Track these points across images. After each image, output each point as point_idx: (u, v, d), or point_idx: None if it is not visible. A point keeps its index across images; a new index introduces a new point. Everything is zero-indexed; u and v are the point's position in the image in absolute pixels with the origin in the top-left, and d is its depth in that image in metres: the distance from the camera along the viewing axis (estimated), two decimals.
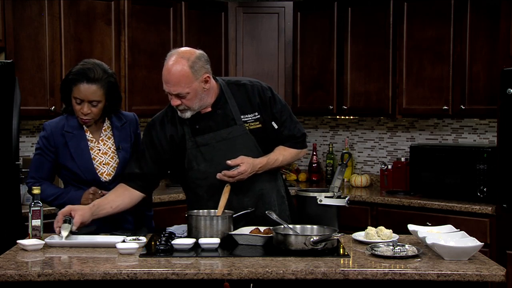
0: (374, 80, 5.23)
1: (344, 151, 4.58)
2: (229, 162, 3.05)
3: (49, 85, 4.62)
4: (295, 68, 5.64)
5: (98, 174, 3.24)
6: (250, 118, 3.17)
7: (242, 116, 3.16)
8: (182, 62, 2.97)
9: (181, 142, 3.16)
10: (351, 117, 5.69)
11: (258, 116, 3.19)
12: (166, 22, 5.22)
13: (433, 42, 4.91)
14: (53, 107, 4.61)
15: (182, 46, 5.24)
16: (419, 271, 2.51)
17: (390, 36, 5.12)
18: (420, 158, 4.87)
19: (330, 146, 5.83)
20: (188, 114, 3.08)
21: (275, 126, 3.21)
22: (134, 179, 3.17)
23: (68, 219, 2.94)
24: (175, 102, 3.03)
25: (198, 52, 3.05)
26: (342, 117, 5.71)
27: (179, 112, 3.10)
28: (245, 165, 3.06)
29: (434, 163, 4.78)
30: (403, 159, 5.37)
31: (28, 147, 4.93)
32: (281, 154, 3.23)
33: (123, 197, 3.15)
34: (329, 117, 5.82)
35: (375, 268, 2.54)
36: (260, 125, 3.19)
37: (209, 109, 3.14)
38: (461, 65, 4.77)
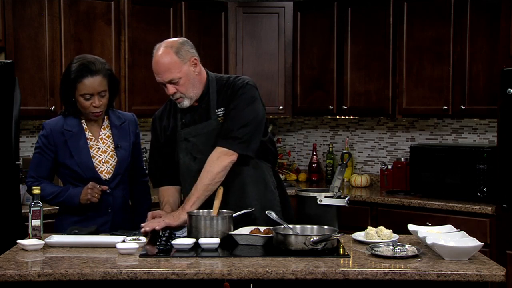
0: (374, 80, 5.23)
1: (344, 151, 4.58)
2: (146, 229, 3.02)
3: (49, 85, 4.62)
4: (295, 68, 5.64)
5: (98, 172, 3.25)
6: (220, 112, 3.18)
7: (217, 110, 3.18)
8: (167, 51, 3.09)
9: (172, 135, 3.26)
10: (351, 117, 5.69)
11: (224, 112, 3.17)
12: (166, 22, 5.23)
13: (433, 42, 4.91)
14: (53, 107, 4.61)
15: None
16: (419, 271, 2.51)
17: (390, 36, 5.12)
18: (420, 158, 4.87)
19: (330, 146, 5.83)
20: (186, 103, 3.15)
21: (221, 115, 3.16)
22: (158, 178, 3.33)
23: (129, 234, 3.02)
24: (170, 90, 3.10)
25: (181, 39, 3.18)
26: (342, 117, 5.71)
27: (178, 104, 3.17)
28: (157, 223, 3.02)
29: (434, 163, 4.78)
30: (403, 159, 5.38)
31: (28, 147, 4.93)
32: (196, 187, 3.06)
33: (171, 194, 3.30)
34: (329, 117, 5.82)
35: (375, 268, 2.54)
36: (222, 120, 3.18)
37: (196, 103, 3.20)
38: (461, 65, 4.77)
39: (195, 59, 3.13)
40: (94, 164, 3.25)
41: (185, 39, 3.20)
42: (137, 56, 5.06)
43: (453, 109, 4.84)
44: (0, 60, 4.11)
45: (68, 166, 3.24)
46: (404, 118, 5.33)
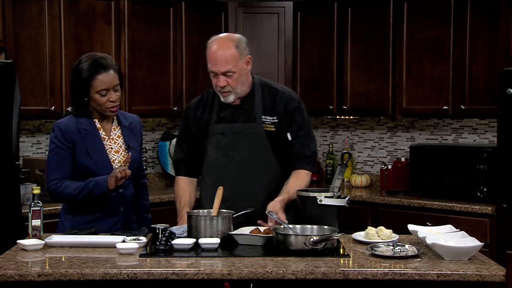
0: (374, 80, 5.23)
1: (344, 151, 4.59)
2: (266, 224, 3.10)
3: (49, 85, 4.62)
4: (295, 68, 5.64)
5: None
6: (268, 120, 3.27)
7: (262, 116, 3.26)
8: (228, 43, 3.16)
9: (204, 127, 3.31)
10: (351, 117, 5.69)
11: (276, 120, 3.27)
12: (166, 22, 5.23)
13: (433, 42, 4.91)
14: (53, 107, 4.61)
15: (182, 46, 5.29)
16: (419, 271, 2.51)
17: (390, 36, 5.12)
18: (420, 158, 4.87)
19: (330, 146, 5.83)
20: (231, 98, 3.21)
21: (289, 137, 3.28)
22: (178, 165, 3.43)
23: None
24: (222, 82, 3.15)
25: (239, 35, 3.26)
26: (342, 117, 5.71)
27: (222, 98, 3.22)
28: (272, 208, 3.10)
29: (434, 163, 4.78)
30: (403, 159, 5.38)
31: (28, 147, 4.93)
32: (297, 186, 3.25)
33: (185, 191, 3.38)
34: (329, 117, 5.82)
35: (375, 268, 2.54)
36: (274, 129, 3.27)
37: (238, 102, 3.26)
38: (461, 65, 4.77)
39: (250, 57, 3.21)
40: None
41: (242, 36, 3.25)
42: (137, 56, 5.06)
43: (453, 109, 4.84)
44: (0, 60, 4.11)
45: (84, 165, 3.18)
46: (404, 118, 5.33)
